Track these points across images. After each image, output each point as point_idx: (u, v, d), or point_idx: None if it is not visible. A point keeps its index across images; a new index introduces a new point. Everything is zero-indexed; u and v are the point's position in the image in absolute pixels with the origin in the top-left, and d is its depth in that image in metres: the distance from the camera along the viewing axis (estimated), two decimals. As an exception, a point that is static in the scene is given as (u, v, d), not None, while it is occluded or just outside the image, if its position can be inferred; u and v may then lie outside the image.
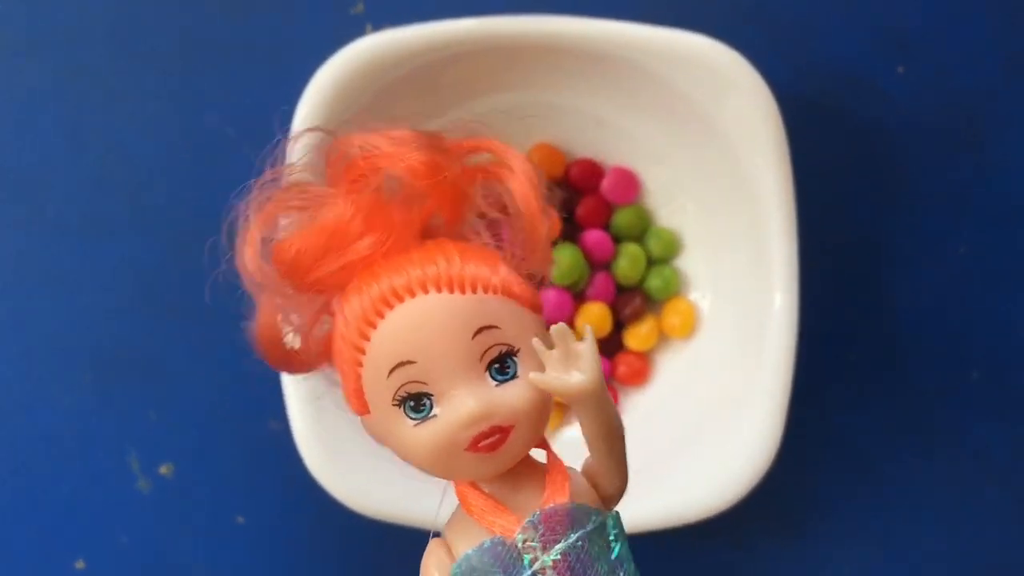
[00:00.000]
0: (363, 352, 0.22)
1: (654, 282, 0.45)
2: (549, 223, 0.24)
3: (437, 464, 0.23)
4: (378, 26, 0.45)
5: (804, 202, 0.45)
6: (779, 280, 0.41)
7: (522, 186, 0.23)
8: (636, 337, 0.45)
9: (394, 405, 0.22)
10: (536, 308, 0.23)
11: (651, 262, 0.45)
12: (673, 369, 0.45)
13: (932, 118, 0.47)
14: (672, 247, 0.45)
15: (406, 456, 0.23)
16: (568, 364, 0.22)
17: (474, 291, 0.22)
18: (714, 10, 0.46)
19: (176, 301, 0.46)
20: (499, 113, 0.41)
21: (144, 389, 0.46)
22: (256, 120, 0.45)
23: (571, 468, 0.24)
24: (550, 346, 0.22)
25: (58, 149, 0.46)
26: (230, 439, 0.46)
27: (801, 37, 0.46)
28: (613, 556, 0.23)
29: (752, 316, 0.42)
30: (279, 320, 0.24)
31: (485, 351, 0.22)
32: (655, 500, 0.40)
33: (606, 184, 0.44)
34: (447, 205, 0.23)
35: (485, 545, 0.23)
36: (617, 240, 0.44)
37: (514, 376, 0.22)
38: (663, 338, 0.45)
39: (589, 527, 0.23)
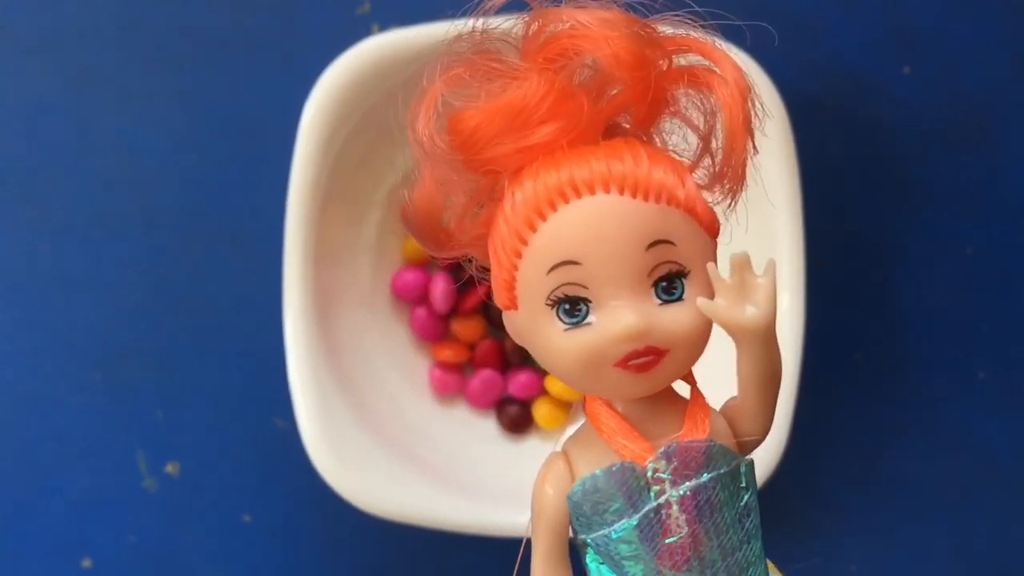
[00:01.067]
0: (526, 244, 0.21)
1: None
2: (752, 144, 0.22)
3: (580, 374, 0.21)
4: (384, 26, 0.46)
5: (810, 201, 0.45)
6: (786, 280, 0.41)
7: (732, 98, 0.21)
8: None
9: (547, 305, 0.21)
10: (714, 232, 0.22)
11: None
12: None
13: (938, 118, 0.47)
14: None
15: (548, 361, 0.22)
16: (742, 296, 0.21)
17: (657, 201, 0.21)
18: (720, 9, 0.46)
19: (184, 300, 0.46)
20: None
21: (151, 388, 0.46)
22: (264, 120, 0.46)
23: (712, 408, 0.23)
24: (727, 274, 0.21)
25: (66, 148, 0.46)
26: (237, 437, 0.47)
27: (807, 36, 0.47)
28: (742, 504, 0.22)
29: None
30: (440, 195, 0.22)
31: (656, 266, 0.21)
32: None
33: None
34: (644, 103, 0.21)
35: (614, 468, 0.21)
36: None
37: (680, 298, 0.21)
38: None
39: (723, 469, 0.22)
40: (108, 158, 0.46)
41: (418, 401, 0.45)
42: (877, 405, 0.48)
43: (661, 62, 0.21)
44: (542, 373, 0.45)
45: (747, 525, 0.22)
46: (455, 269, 0.44)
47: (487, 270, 0.23)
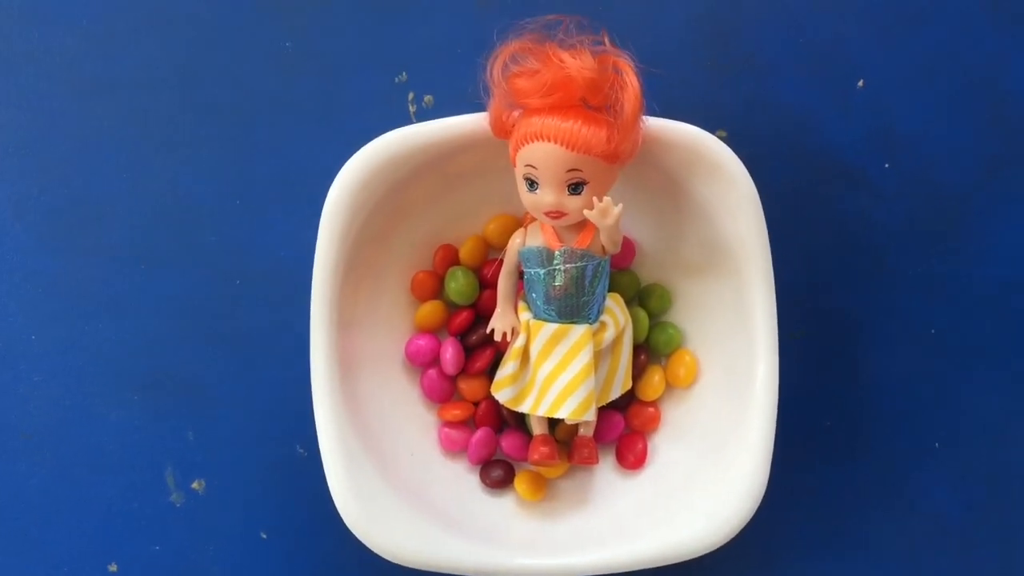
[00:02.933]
0: (518, 150, 0.41)
1: (660, 338, 0.48)
2: (639, 128, 0.41)
3: (531, 210, 0.42)
4: (420, 94, 0.49)
5: (791, 280, 0.48)
6: (761, 351, 0.44)
7: (631, 99, 0.40)
8: (649, 387, 0.48)
9: (523, 177, 0.42)
10: (613, 162, 0.41)
11: (652, 320, 0.48)
12: (676, 415, 0.48)
13: (913, 210, 0.50)
14: (666, 301, 0.48)
15: (521, 198, 0.42)
16: (604, 213, 0.41)
17: (577, 151, 0.40)
18: (724, 111, 0.49)
19: (219, 332, 0.49)
20: (502, 191, 0.45)
21: (184, 410, 0.48)
22: (304, 173, 0.48)
23: (597, 233, 0.42)
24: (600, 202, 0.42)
25: (120, 185, 0.48)
26: (259, 460, 0.49)
27: (801, 131, 0.50)
28: (595, 278, 0.43)
29: (738, 374, 0.45)
30: (502, 106, 0.41)
31: (569, 180, 0.41)
32: (651, 539, 0.44)
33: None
34: (596, 96, 0.40)
35: (542, 247, 0.43)
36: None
37: (579, 193, 0.41)
38: (668, 388, 0.48)
39: (589, 262, 0.43)
40: (158, 197, 0.48)
41: (431, 454, 0.47)
42: (843, 468, 0.50)
43: (608, 79, 0.40)
44: (530, 437, 0.47)
45: (595, 287, 0.44)
46: (463, 335, 0.47)
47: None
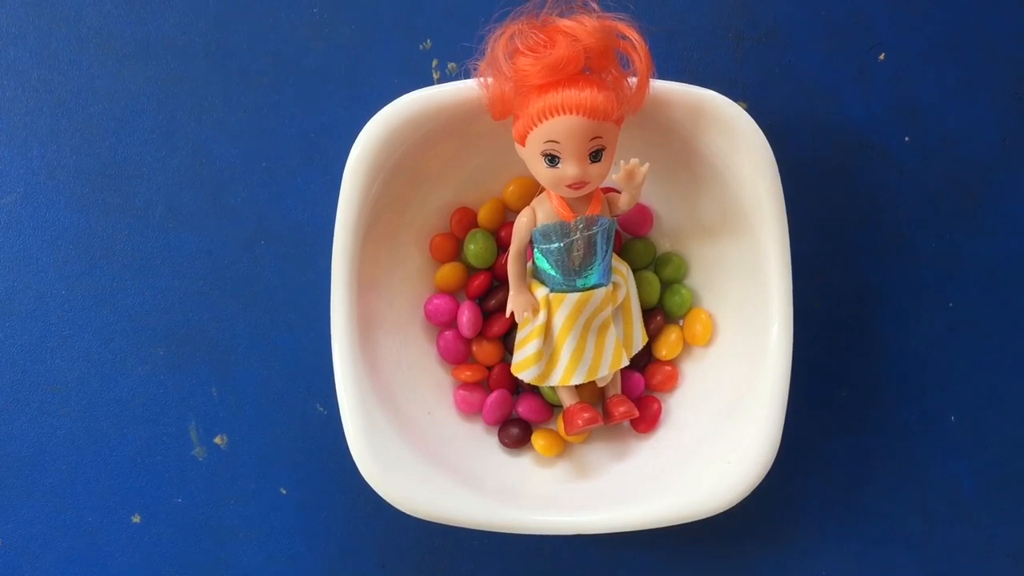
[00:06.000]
0: (535, 126, 0.40)
1: (672, 300, 0.48)
2: (646, 87, 0.41)
3: (551, 186, 0.42)
4: (443, 61, 0.49)
5: (811, 250, 0.49)
6: (776, 318, 0.44)
7: (641, 61, 0.40)
8: (665, 346, 0.48)
9: (541, 155, 0.41)
10: (620, 123, 0.41)
11: (664, 285, 0.49)
12: (693, 375, 0.49)
13: (933, 184, 0.50)
14: (682, 270, 0.49)
15: (537, 176, 0.42)
16: (629, 176, 0.42)
17: (597, 119, 0.40)
18: (745, 82, 0.50)
19: (243, 291, 0.49)
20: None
21: (208, 367, 0.49)
22: (329, 137, 0.49)
23: (604, 199, 0.44)
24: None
25: (151, 146, 0.49)
26: (280, 418, 0.49)
27: (823, 104, 0.50)
28: (606, 240, 0.44)
29: (754, 335, 0.45)
30: (501, 88, 0.41)
31: (591, 149, 0.41)
32: (664, 499, 0.44)
33: (623, 218, 0.48)
34: (602, 60, 0.40)
35: (558, 222, 0.43)
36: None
37: (599, 160, 0.41)
38: (686, 347, 0.49)
39: (602, 227, 0.43)
40: (187, 159, 0.49)
41: (448, 414, 0.48)
42: (857, 438, 0.50)
43: (612, 42, 0.40)
44: (546, 401, 0.48)
45: (607, 249, 0.44)
46: (481, 298, 0.48)
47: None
